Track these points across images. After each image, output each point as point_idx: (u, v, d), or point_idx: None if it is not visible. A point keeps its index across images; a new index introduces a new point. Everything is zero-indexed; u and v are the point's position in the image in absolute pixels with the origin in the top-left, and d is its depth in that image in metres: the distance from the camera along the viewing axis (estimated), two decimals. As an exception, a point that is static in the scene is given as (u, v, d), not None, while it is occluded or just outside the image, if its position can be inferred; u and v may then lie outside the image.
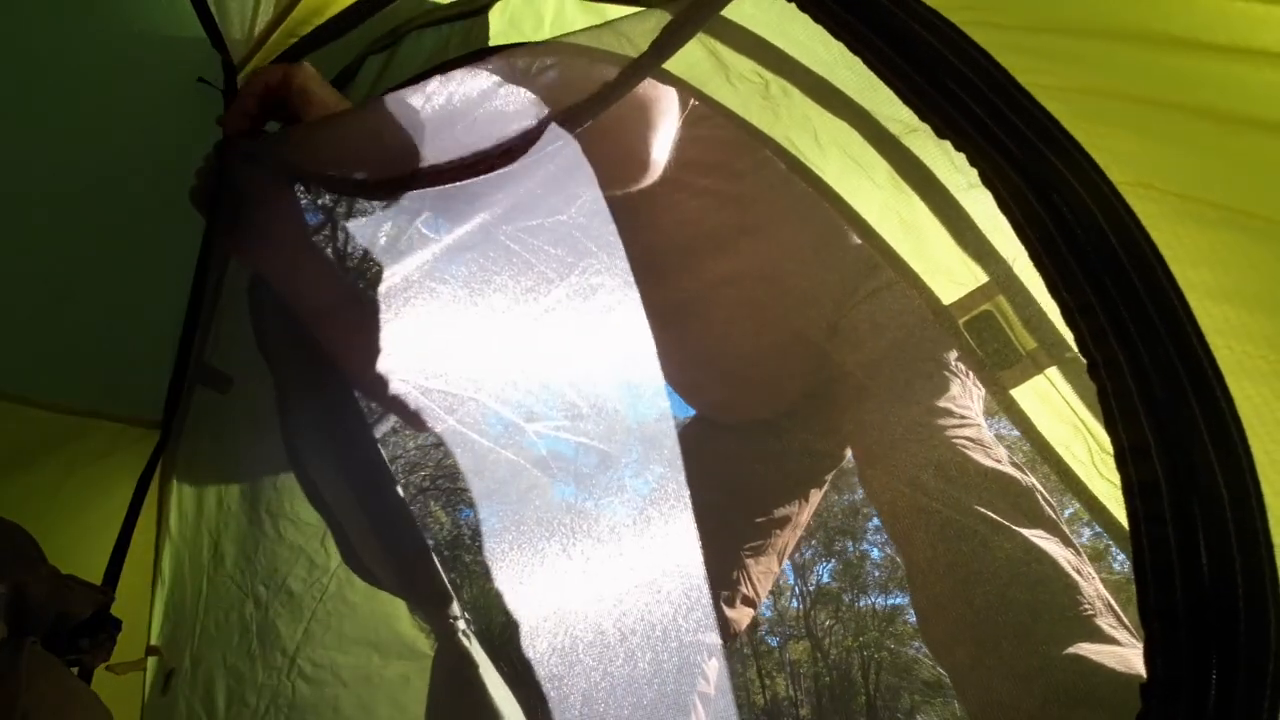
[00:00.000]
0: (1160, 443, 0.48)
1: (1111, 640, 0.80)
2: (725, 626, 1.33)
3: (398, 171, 0.89)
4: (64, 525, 1.28)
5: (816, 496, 1.42)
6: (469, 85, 0.85)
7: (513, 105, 0.82)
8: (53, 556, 0.98)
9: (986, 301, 0.84)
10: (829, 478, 1.41)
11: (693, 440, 1.46)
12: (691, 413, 1.51)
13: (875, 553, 9.89)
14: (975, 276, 0.86)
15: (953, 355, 1.05)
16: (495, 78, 0.84)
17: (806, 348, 1.19)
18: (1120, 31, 0.47)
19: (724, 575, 1.32)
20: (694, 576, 1.02)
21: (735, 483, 1.34)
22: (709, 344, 1.29)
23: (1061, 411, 0.84)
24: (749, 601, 1.35)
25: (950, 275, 0.88)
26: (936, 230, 0.86)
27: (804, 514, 1.40)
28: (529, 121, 0.78)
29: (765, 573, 1.37)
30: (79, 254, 1.19)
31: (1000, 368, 0.84)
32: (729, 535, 1.34)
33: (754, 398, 1.34)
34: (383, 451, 1.28)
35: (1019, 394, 0.86)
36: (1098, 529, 0.89)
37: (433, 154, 0.86)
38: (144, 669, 1.36)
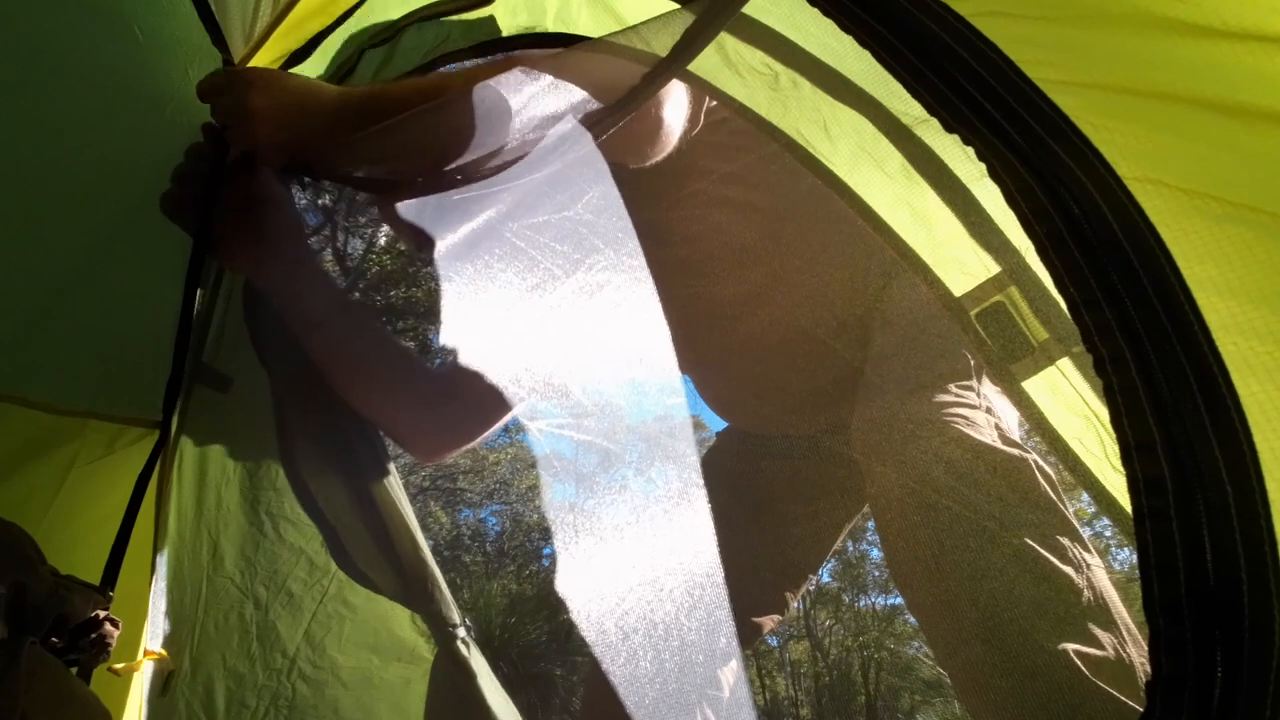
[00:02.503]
0: (1166, 439, 0.48)
1: (1115, 639, 0.80)
2: (749, 630, 1.32)
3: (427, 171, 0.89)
4: (63, 525, 1.27)
5: (856, 506, 1.39)
6: (508, 90, 0.85)
7: (542, 111, 0.82)
8: (51, 556, 0.98)
9: (998, 293, 0.84)
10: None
11: (723, 443, 1.45)
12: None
13: (875, 553, 9.89)
14: (987, 268, 0.86)
15: (963, 349, 1.05)
16: (538, 83, 0.84)
17: (813, 345, 1.18)
18: (1129, 20, 0.47)
19: (752, 579, 1.31)
20: (705, 577, 1.01)
21: (766, 486, 1.33)
22: (714, 343, 1.28)
23: (1073, 403, 0.84)
24: (776, 607, 1.35)
25: (962, 266, 0.88)
26: (949, 221, 0.85)
27: (847, 522, 1.38)
28: (553, 125, 0.79)
29: (799, 578, 1.37)
30: (78, 254, 1.19)
31: (1011, 360, 0.84)
32: (758, 539, 1.33)
33: (760, 397, 1.33)
34: (389, 457, 1.28)
35: (1030, 386, 0.86)
36: (1098, 528, 0.89)
37: (465, 157, 0.86)
38: (142, 669, 1.35)
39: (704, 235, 1.20)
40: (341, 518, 1.27)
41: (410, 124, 0.91)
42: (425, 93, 0.94)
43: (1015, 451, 0.92)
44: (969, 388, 1.01)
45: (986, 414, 0.98)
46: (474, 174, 0.89)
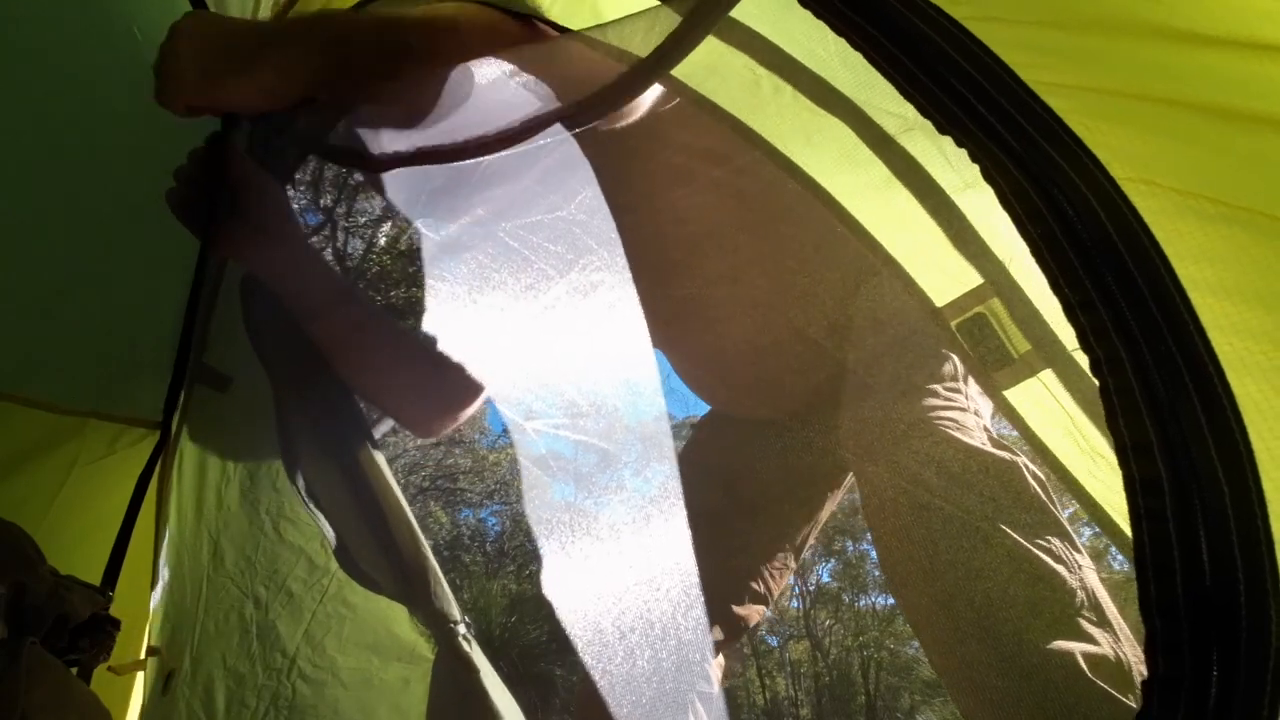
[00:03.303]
0: (1162, 439, 0.48)
1: (1109, 638, 0.80)
2: (735, 624, 1.33)
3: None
4: (63, 525, 1.28)
5: (836, 495, 1.40)
6: (481, 72, 0.85)
7: (519, 95, 0.82)
8: (52, 556, 0.98)
9: (979, 304, 0.84)
10: (847, 478, 1.39)
11: (705, 436, 1.46)
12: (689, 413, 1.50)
13: (875, 553, 9.86)
14: (969, 278, 0.86)
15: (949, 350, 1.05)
16: (507, 66, 0.83)
17: (806, 345, 1.18)
18: (1123, 25, 0.47)
19: (734, 572, 1.31)
20: (695, 574, 1.01)
21: (748, 478, 1.34)
22: (708, 342, 1.28)
23: (1054, 414, 0.84)
24: (759, 599, 1.35)
25: (944, 276, 0.88)
26: (931, 231, 0.85)
27: (822, 511, 1.39)
28: (532, 111, 0.78)
29: (780, 569, 1.37)
30: (79, 254, 1.19)
31: (993, 370, 0.84)
32: (740, 531, 1.34)
33: (754, 397, 1.34)
34: (381, 454, 1.28)
35: (1012, 395, 0.86)
36: (1096, 529, 0.89)
37: (436, 136, 0.86)
38: (144, 669, 1.36)
39: (690, 215, 1.19)
40: (342, 514, 1.27)
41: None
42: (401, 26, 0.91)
43: (1004, 455, 0.93)
44: (957, 390, 1.02)
45: (975, 416, 0.98)
46: (441, 148, 0.88)
